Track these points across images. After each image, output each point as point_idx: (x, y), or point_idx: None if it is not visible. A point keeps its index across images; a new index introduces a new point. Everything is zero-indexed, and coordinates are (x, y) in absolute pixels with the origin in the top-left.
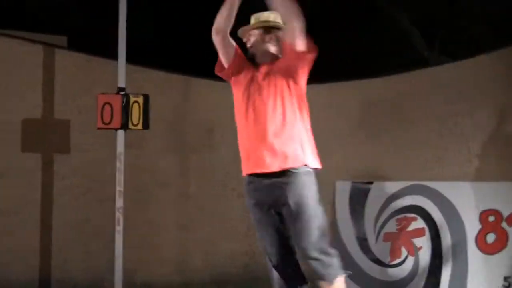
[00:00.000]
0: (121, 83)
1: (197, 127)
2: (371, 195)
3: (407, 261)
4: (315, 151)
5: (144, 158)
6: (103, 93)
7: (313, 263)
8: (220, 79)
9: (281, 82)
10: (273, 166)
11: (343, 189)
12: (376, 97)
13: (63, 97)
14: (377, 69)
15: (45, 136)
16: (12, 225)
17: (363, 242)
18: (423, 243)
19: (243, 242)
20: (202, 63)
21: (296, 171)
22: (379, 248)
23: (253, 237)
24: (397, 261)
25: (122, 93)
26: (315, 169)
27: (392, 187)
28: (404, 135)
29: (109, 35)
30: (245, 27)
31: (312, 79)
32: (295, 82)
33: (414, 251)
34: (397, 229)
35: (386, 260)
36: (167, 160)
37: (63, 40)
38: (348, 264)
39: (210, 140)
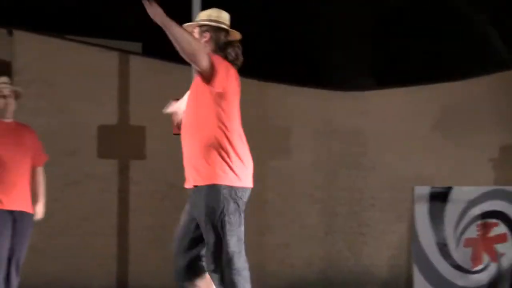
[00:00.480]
0: None
1: (274, 133)
2: (450, 200)
3: (489, 268)
4: (233, 167)
5: None
6: (178, 99)
7: (211, 275)
8: (297, 84)
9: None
10: (189, 182)
11: (421, 194)
12: (454, 101)
13: (139, 103)
14: (456, 72)
15: (121, 142)
16: (89, 231)
17: (443, 248)
18: (506, 249)
19: (320, 247)
20: (277, 68)
21: (202, 187)
22: (459, 254)
23: (330, 242)
24: (479, 267)
25: None
26: (230, 186)
27: (472, 192)
28: (483, 139)
29: None
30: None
31: (391, 82)
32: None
33: (496, 257)
34: (478, 235)
35: (467, 266)
36: None
37: (138, 46)
38: (427, 269)
39: (287, 145)
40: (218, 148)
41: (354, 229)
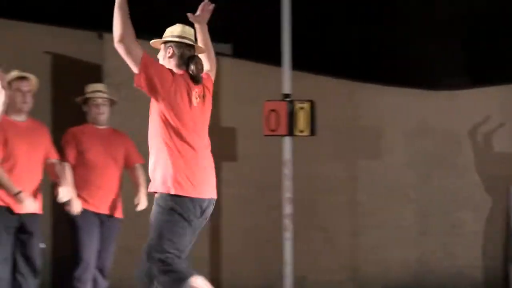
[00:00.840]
0: (287, 90)
1: (365, 133)
2: None
3: None
4: (177, 176)
5: (312, 165)
6: (269, 100)
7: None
8: (389, 83)
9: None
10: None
11: None
12: None
13: (230, 104)
14: None
15: (212, 144)
16: None
17: None
18: None
19: (414, 249)
20: (368, 67)
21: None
22: None
23: (425, 243)
24: None
25: (288, 99)
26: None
27: None
28: None
29: (274, 41)
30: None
31: (485, 81)
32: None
33: None
34: None
35: None
36: (334, 166)
37: (228, 47)
38: None
39: (378, 145)
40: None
41: (447, 230)
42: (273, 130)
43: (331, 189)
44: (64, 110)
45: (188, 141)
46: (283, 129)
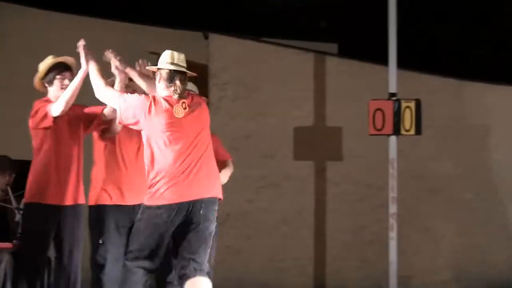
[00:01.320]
0: (392, 89)
1: (472, 131)
2: None
3: None
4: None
5: (417, 164)
6: (375, 99)
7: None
8: (496, 82)
9: None
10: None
11: None
12: None
13: (335, 104)
14: None
15: (318, 144)
16: (288, 232)
17: None
18: None
19: None
20: (475, 66)
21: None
22: None
23: None
24: None
25: (394, 98)
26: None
27: None
28: None
29: (379, 40)
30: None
31: None
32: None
33: None
34: None
35: None
36: (440, 165)
37: (334, 47)
38: None
39: (485, 144)
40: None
41: None
42: (378, 130)
43: (436, 188)
44: None
45: None
46: (389, 128)
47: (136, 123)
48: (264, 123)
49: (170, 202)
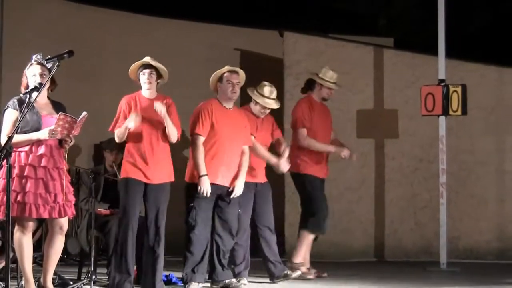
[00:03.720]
0: (441, 76)
1: (511, 111)
2: None
3: None
4: None
5: (464, 140)
6: (426, 85)
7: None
8: None
9: None
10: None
11: None
12: None
13: (391, 90)
14: None
15: (377, 124)
16: (353, 200)
17: None
18: None
19: None
20: None
21: None
22: None
23: None
24: None
25: (443, 84)
26: None
27: None
28: None
29: (430, 34)
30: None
31: None
32: None
33: None
34: None
35: None
36: (484, 141)
37: (390, 41)
38: None
39: None
40: None
41: None
42: (429, 111)
43: (480, 161)
44: (248, 99)
45: None
46: (438, 110)
47: None
48: (331, 106)
49: None
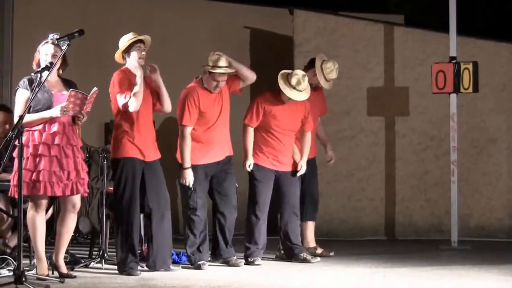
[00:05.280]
0: (453, 53)
1: None
2: None
3: None
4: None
5: (475, 118)
6: (437, 63)
7: None
8: None
9: None
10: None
11: None
12: None
13: (402, 67)
14: None
15: (388, 101)
16: (363, 177)
17: None
18: None
19: None
20: None
21: None
22: None
23: None
24: None
25: (454, 61)
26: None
27: None
28: None
29: (441, 11)
30: None
31: None
32: None
33: None
34: None
35: None
36: (496, 119)
37: (400, 18)
38: None
39: None
40: None
41: None
42: (440, 88)
43: (491, 138)
44: (260, 76)
45: None
46: (449, 87)
47: None
48: (341, 84)
49: None
